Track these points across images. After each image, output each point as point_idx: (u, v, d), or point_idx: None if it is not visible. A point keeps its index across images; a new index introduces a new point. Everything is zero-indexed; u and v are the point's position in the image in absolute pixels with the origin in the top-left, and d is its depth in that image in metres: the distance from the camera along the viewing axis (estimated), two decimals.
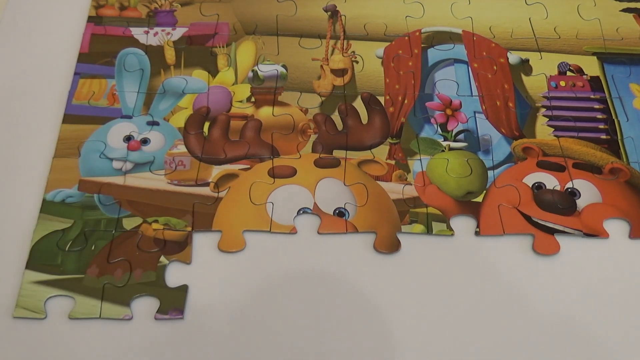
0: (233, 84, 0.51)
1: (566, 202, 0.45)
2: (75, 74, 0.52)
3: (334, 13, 0.55)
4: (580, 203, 0.45)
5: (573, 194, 0.45)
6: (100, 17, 0.55)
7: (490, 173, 0.47)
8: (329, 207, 0.44)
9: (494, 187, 0.46)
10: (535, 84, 0.52)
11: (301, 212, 0.43)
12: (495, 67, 0.52)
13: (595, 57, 0.53)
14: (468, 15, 0.55)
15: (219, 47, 0.53)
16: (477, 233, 0.44)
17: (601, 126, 0.50)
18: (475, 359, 0.39)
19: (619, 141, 0.49)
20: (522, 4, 0.56)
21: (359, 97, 0.50)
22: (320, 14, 0.55)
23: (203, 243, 0.42)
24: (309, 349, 0.39)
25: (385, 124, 0.49)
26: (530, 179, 0.46)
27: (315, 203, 0.44)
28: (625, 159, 0.48)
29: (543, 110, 0.50)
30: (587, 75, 0.52)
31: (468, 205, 0.45)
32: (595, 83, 0.52)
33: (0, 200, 0.44)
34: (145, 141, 0.48)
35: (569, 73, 0.52)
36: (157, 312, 0.40)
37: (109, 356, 0.38)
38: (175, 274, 0.41)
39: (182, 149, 0.47)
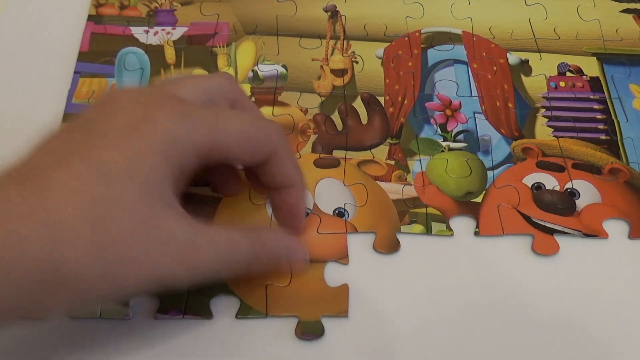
0: None
1: (565, 203, 0.45)
2: (75, 72, 0.52)
3: (334, 13, 0.55)
4: (580, 203, 0.45)
5: (572, 194, 0.45)
6: (100, 16, 0.55)
7: (489, 173, 0.47)
8: (328, 207, 0.44)
9: (493, 187, 0.46)
10: (535, 85, 0.52)
11: None
12: (495, 68, 0.52)
13: (595, 58, 0.53)
14: (468, 15, 0.55)
15: (219, 46, 0.54)
16: (476, 233, 0.44)
17: (601, 127, 0.50)
18: (474, 358, 0.39)
19: (619, 142, 0.49)
20: (522, 4, 0.56)
21: (359, 97, 0.51)
22: (320, 14, 0.55)
23: None
24: (305, 348, 0.39)
25: (385, 124, 0.49)
26: (529, 179, 0.46)
27: (314, 203, 0.44)
28: (625, 159, 0.48)
29: (543, 110, 0.50)
30: (586, 75, 0.52)
31: (467, 206, 0.45)
32: (594, 83, 0.52)
33: None
34: None
35: (568, 74, 0.52)
36: (157, 311, 0.40)
37: (109, 355, 0.38)
38: None
39: None
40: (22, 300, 0.28)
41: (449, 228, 0.44)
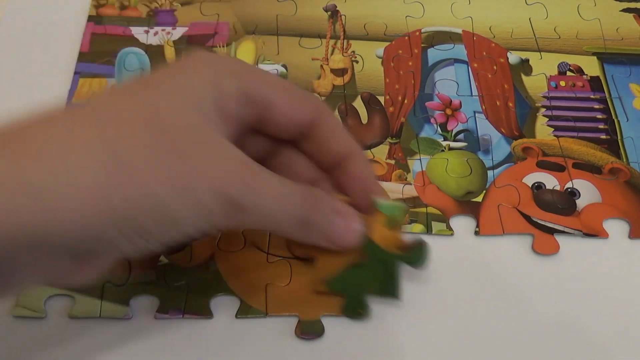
0: None
1: (566, 202, 0.45)
2: (76, 73, 0.52)
3: (334, 13, 0.55)
4: (580, 203, 0.45)
5: (573, 193, 0.45)
6: (100, 17, 0.55)
7: (490, 173, 0.47)
8: None
9: (493, 187, 0.46)
10: (535, 84, 0.52)
11: None
12: (495, 67, 0.52)
13: (595, 57, 0.53)
14: (468, 15, 0.55)
15: (219, 46, 0.54)
16: (476, 233, 0.44)
17: (601, 126, 0.50)
18: (474, 358, 0.39)
19: (619, 141, 0.49)
20: (522, 4, 0.56)
21: (359, 97, 0.50)
22: (320, 14, 0.55)
23: None
24: (305, 348, 0.39)
25: (385, 123, 0.49)
26: (530, 179, 0.46)
27: None
28: (625, 159, 0.48)
29: (543, 110, 0.50)
30: (587, 75, 0.52)
31: (468, 205, 0.45)
32: (595, 83, 0.52)
33: None
34: None
35: (569, 73, 0.52)
36: (157, 311, 0.40)
37: (109, 355, 0.38)
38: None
39: None
40: (88, 203, 0.25)
41: (449, 228, 0.44)
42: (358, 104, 0.50)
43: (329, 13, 0.55)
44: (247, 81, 0.31)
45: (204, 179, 0.27)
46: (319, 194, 0.33)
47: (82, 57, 0.53)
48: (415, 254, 0.37)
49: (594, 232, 0.44)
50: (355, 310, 0.38)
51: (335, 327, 0.39)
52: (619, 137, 0.49)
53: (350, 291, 0.38)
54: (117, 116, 0.27)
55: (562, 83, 0.52)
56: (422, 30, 0.54)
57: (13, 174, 0.24)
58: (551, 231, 0.44)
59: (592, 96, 0.51)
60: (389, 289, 0.37)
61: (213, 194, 0.27)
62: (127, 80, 0.30)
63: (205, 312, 0.40)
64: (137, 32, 0.54)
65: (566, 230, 0.44)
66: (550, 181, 0.46)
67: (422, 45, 0.54)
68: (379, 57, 0.53)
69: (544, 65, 0.52)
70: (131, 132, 0.26)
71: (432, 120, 0.50)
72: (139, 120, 0.27)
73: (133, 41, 0.54)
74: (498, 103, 0.50)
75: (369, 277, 0.37)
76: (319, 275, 0.37)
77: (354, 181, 0.35)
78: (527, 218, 0.44)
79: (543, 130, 0.49)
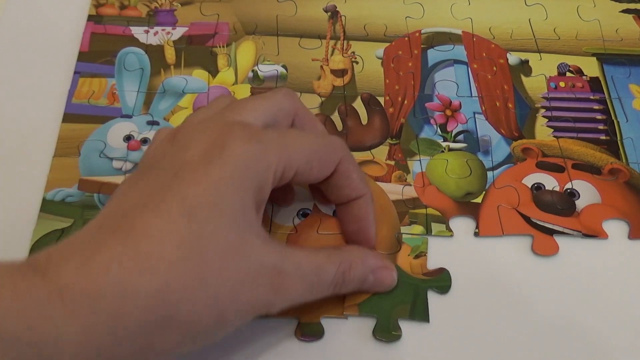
0: (233, 84, 0.51)
1: (565, 203, 0.45)
2: (75, 72, 0.52)
3: (334, 13, 0.55)
4: (580, 204, 0.45)
5: (572, 194, 0.45)
6: (100, 16, 0.55)
7: (489, 174, 0.47)
8: (328, 207, 0.44)
9: (493, 187, 0.46)
10: (535, 85, 0.52)
11: (301, 212, 0.44)
12: (494, 68, 0.52)
13: (594, 58, 0.53)
14: (468, 16, 0.55)
15: (219, 46, 0.54)
16: (476, 234, 0.44)
17: (600, 127, 0.50)
18: (473, 358, 0.39)
19: (619, 142, 0.49)
20: (521, 4, 0.56)
21: (359, 98, 0.51)
22: (321, 14, 0.55)
23: None
24: (305, 349, 0.39)
25: (385, 124, 0.49)
26: (529, 180, 0.46)
27: (314, 203, 0.44)
28: (625, 159, 0.48)
29: (542, 111, 0.50)
30: (586, 76, 0.52)
31: (467, 206, 0.45)
32: (594, 84, 0.52)
33: (0, 199, 0.44)
34: (145, 141, 0.48)
35: (568, 74, 0.52)
36: None
37: None
38: None
39: None
40: (133, 349, 0.29)
41: (448, 229, 0.44)
42: (358, 104, 0.50)
43: (329, 14, 0.55)
44: (285, 162, 0.34)
45: (237, 305, 0.31)
46: (353, 261, 0.37)
47: (82, 56, 0.53)
48: (441, 280, 0.41)
49: (594, 233, 0.44)
50: (388, 332, 0.39)
51: (335, 329, 0.39)
52: (618, 138, 0.49)
53: (381, 314, 0.39)
54: (168, 256, 0.29)
55: (562, 84, 0.52)
56: (422, 31, 0.54)
57: (89, 299, 0.27)
58: (551, 232, 0.44)
59: (591, 97, 0.51)
60: (418, 312, 0.39)
61: (242, 316, 0.32)
62: (175, 181, 0.31)
63: None
64: (137, 31, 0.54)
65: (566, 231, 0.44)
66: (549, 182, 0.46)
67: (422, 46, 0.54)
68: (379, 58, 0.53)
69: (543, 66, 0.53)
70: (180, 273, 0.29)
71: (432, 121, 0.50)
72: (187, 263, 0.29)
73: (133, 41, 0.54)
74: (498, 104, 0.50)
75: (398, 301, 0.40)
76: (351, 301, 0.39)
77: (353, 220, 0.39)
78: (527, 219, 0.44)
79: (543, 131, 0.49)
